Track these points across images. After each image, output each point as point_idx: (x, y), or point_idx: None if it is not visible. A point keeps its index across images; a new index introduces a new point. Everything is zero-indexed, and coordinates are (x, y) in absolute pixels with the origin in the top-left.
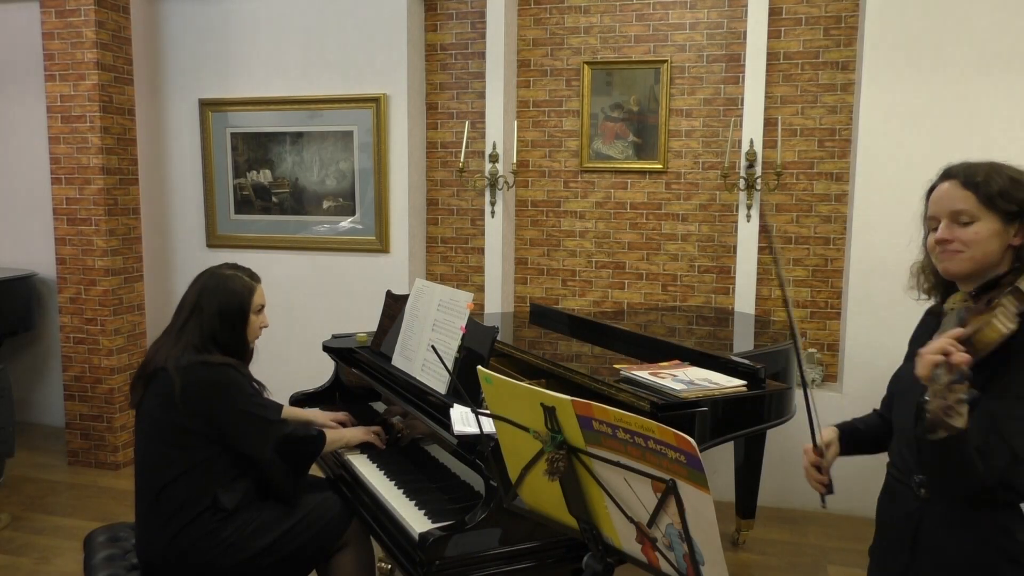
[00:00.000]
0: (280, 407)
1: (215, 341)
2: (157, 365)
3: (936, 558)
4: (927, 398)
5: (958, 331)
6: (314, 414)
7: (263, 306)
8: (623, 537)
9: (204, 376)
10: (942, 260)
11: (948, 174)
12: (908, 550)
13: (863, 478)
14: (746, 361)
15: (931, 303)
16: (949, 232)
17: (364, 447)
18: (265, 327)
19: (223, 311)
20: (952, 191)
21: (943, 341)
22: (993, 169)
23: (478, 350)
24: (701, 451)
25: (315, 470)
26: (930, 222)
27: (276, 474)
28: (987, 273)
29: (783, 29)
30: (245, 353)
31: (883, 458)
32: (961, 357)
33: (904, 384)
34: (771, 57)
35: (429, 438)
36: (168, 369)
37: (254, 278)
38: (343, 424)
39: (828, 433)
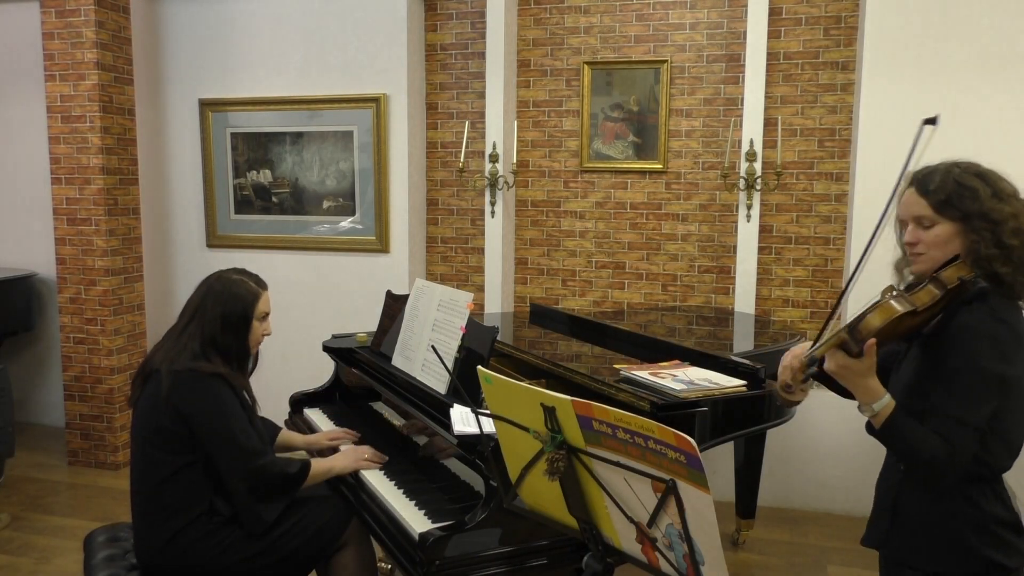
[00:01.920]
0: (276, 430)
1: (215, 345)
2: (154, 366)
3: (911, 526)
4: (863, 412)
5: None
6: (315, 438)
7: (267, 314)
8: (623, 537)
9: (191, 384)
10: (912, 261)
11: (910, 180)
12: (888, 519)
13: (863, 478)
14: (746, 361)
15: None
16: (914, 236)
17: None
18: (268, 335)
19: (226, 315)
20: (911, 197)
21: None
22: (947, 175)
23: (478, 350)
24: (701, 451)
25: None
26: (900, 224)
27: (239, 504)
28: None
29: (783, 29)
30: (246, 359)
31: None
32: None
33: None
34: (771, 57)
35: (441, 449)
36: (162, 371)
37: (261, 285)
38: (353, 441)
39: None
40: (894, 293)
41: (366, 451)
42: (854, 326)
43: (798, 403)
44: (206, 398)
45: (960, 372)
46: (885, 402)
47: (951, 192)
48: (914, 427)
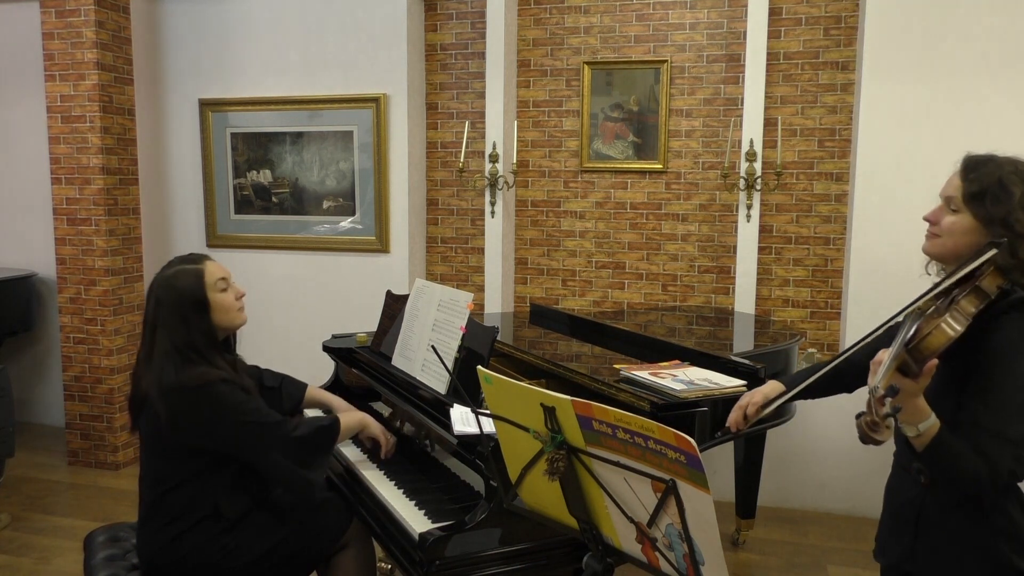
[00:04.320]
0: (303, 388)
1: (189, 349)
2: (142, 394)
3: (937, 539)
4: (862, 411)
5: (896, 352)
6: (345, 405)
7: (224, 278)
8: (623, 537)
9: (186, 402)
10: (926, 238)
11: (964, 159)
12: (911, 534)
13: (863, 478)
14: (746, 361)
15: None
16: (936, 215)
17: (365, 447)
18: (242, 296)
19: (181, 315)
20: (953, 178)
21: (880, 356)
22: (995, 171)
23: (478, 350)
24: (701, 451)
25: None
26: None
27: (282, 477)
28: (960, 260)
29: (783, 29)
30: (220, 341)
31: (886, 458)
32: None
33: None
34: (771, 57)
35: (441, 449)
36: (151, 397)
37: (198, 260)
38: None
39: (772, 390)
40: (941, 305)
41: (390, 434)
42: (913, 346)
43: (883, 441)
44: (207, 410)
45: (1003, 386)
46: (931, 422)
47: (987, 187)
48: (957, 446)
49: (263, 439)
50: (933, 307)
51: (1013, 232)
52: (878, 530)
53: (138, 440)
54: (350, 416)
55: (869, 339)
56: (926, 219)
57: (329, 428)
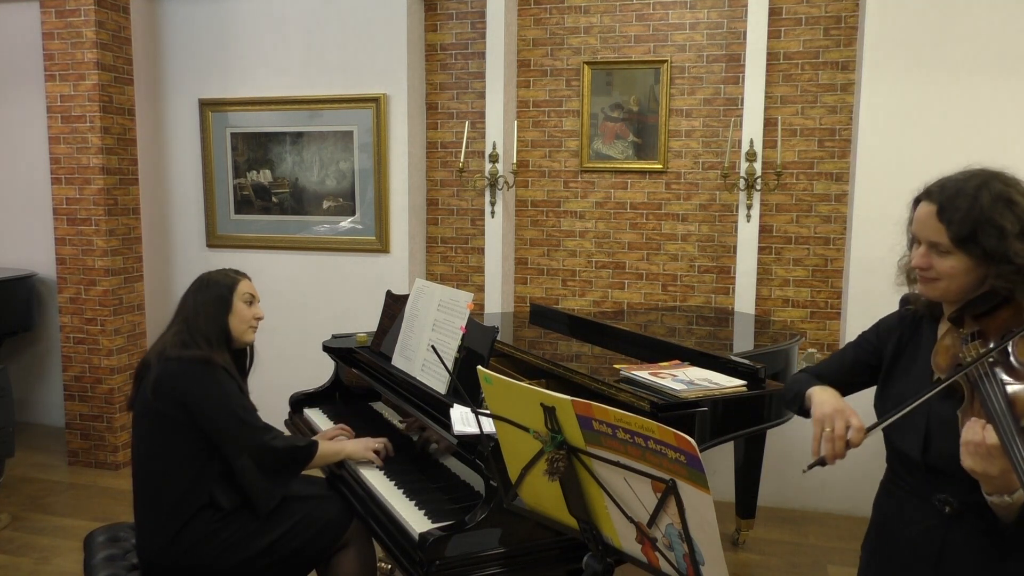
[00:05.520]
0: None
1: (197, 331)
2: (146, 361)
3: (965, 573)
4: (993, 500)
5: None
6: (315, 439)
7: (252, 296)
8: (623, 537)
9: (182, 370)
10: (920, 283)
11: (930, 194)
12: (932, 567)
13: (863, 478)
14: (746, 361)
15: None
16: (926, 260)
17: None
18: (259, 318)
19: (205, 301)
20: (929, 219)
21: (975, 435)
22: (975, 204)
23: (478, 350)
24: (701, 451)
25: (316, 470)
26: (912, 237)
27: (247, 480)
28: (965, 297)
29: (783, 29)
30: (228, 339)
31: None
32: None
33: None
34: (771, 57)
35: (441, 449)
36: (151, 362)
37: (240, 274)
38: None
39: (839, 399)
40: (999, 357)
41: (378, 442)
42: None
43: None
44: (200, 381)
45: None
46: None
47: (975, 226)
48: None
49: (241, 435)
50: (981, 360)
51: (1016, 265)
52: (869, 557)
53: (132, 427)
54: (329, 444)
55: (914, 406)
56: (916, 266)
57: (304, 449)
